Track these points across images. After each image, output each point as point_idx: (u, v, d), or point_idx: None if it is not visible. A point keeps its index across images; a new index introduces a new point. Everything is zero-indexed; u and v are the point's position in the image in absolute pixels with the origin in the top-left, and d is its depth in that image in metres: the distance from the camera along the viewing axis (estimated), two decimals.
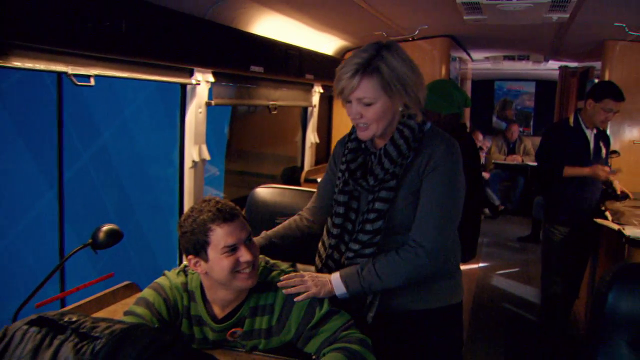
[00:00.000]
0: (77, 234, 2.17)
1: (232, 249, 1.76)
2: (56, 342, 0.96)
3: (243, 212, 1.88)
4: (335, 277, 1.90)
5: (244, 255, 1.76)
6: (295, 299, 1.84)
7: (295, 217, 2.28)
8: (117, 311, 1.92)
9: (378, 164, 1.91)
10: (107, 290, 2.38)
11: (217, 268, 1.77)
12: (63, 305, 2.34)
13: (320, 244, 2.10)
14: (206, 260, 1.78)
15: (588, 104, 3.70)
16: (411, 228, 1.91)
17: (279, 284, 1.86)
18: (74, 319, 1.01)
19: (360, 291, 1.89)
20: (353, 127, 2.01)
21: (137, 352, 0.90)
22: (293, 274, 1.91)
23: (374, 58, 1.81)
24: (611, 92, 3.68)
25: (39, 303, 2.14)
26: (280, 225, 2.27)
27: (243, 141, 5.06)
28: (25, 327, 1.00)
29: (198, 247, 1.77)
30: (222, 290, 1.84)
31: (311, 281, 1.87)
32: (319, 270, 2.05)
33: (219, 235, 1.75)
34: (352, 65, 1.82)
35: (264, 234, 2.25)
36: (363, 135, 1.89)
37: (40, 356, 0.94)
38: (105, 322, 0.99)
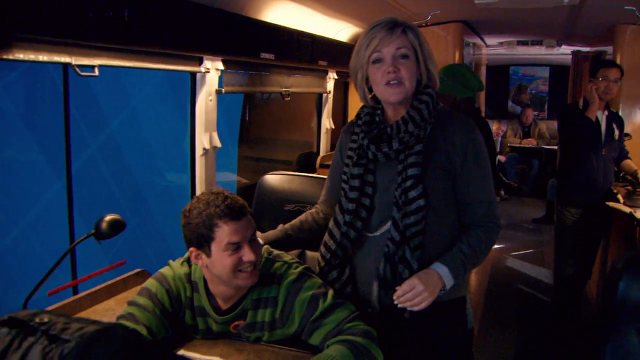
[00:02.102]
0: (87, 223, 2.17)
1: (236, 247, 1.74)
2: (25, 345, 0.90)
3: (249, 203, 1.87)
4: (442, 270, 1.84)
5: (247, 254, 1.74)
6: (415, 309, 1.81)
7: (312, 210, 2.24)
8: (128, 298, 1.93)
9: (399, 132, 1.88)
10: (118, 278, 2.39)
11: (218, 265, 1.76)
12: (75, 292, 2.36)
13: (332, 224, 2.02)
14: (208, 255, 1.76)
15: (589, 86, 3.74)
16: (440, 205, 1.90)
17: (398, 304, 1.83)
18: (46, 319, 0.95)
19: (463, 276, 1.92)
20: (361, 108, 2.04)
21: (107, 356, 0.86)
22: (406, 286, 1.83)
23: (404, 22, 1.88)
24: (602, 62, 4.03)
25: (50, 291, 2.16)
26: (296, 219, 2.23)
27: (258, 127, 5.07)
28: None
29: (202, 240, 1.75)
30: (222, 285, 1.83)
31: (425, 290, 1.81)
32: (332, 252, 1.98)
33: (225, 232, 1.73)
34: (387, 22, 1.86)
35: (280, 227, 2.22)
36: (395, 94, 1.87)
37: (8, 359, 0.91)
38: (79, 323, 0.94)
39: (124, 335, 0.92)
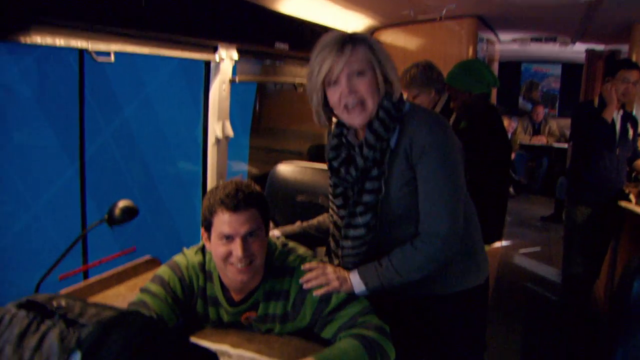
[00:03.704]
0: (99, 208, 2.17)
1: (228, 238, 1.72)
2: (43, 328, 0.91)
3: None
4: (354, 275, 1.83)
5: (236, 249, 1.71)
6: (314, 293, 1.80)
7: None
8: (137, 285, 1.93)
9: (359, 153, 1.81)
10: (128, 265, 2.41)
11: (214, 251, 1.77)
12: (86, 277, 2.37)
13: (332, 245, 2.00)
14: (210, 240, 1.78)
15: (607, 86, 3.68)
16: (417, 219, 1.81)
17: (300, 280, 1.82)
18: (63, 303, 0.96)
19: (380, 287, 1.82)
20: (335, 125, 1.93)
21: (124, 342, 0.85)
22: (315, 263, 1.85)
23: (352, 35, 1.75)
24: (622, 63, 3.82)
25: (62, 275, 2.17)
26: (314, 219, 2.24)
27: (270, 118, 5.04)
28: (15, 310, 0.96)
29: (206, 223, 1.77)
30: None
31: (333, 274, 1.82)
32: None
33: (219, 221, 1.72)
34: (335, 42, 1.72)
35: (299, 223, 2.24)
36: (359, 118, 1.76)
37: (26, 341, 0.90)
38: (96, 308, 0.94)
39: (140, 322, 0.92)
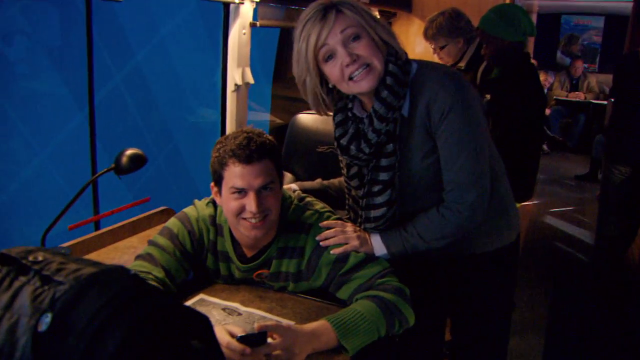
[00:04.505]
0: (111, 157, 2.09)
1: (240, 192, 1.62)
2: (16, 284, 0.82)
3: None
4: (376, 238, 1.74)
5: (250, 204, 1.61)
6: (332, 252, 1.71)
7: None
8: (151, 236, 1.86)
9: (369, 126, 1.65)
10: (142, 215, 2.35)
11: (225, 206, 1.67)
12: (97, 228, 2.31)
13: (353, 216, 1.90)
14: (220, 194, 1.68)
15: None
16: (442, 186, 1.70)
17: (317, 237, 1.73)
18: (40, 258, 0.86)
19: (404, 252, 1.74)
20: (337, 101, 1.76)
21: (103, 302, 0.76)
22: (334, 221, 1.76)
23: (331, 3, 1.57)
24: None
25: (72, 225, 2.11)
26: (336, 179, 2.16)
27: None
28: None
29: (216, 177, 1.67)
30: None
31: (353, 233, 1.73)
32: None
33: (231, 174, 1.62)
34: (316, 11, 1.56)
35: (319, 181, 2.16)
36: (368, 82, 1.58)
37: None
38: (75, 264, 0.85)
39: (124, 280, 0.82)
